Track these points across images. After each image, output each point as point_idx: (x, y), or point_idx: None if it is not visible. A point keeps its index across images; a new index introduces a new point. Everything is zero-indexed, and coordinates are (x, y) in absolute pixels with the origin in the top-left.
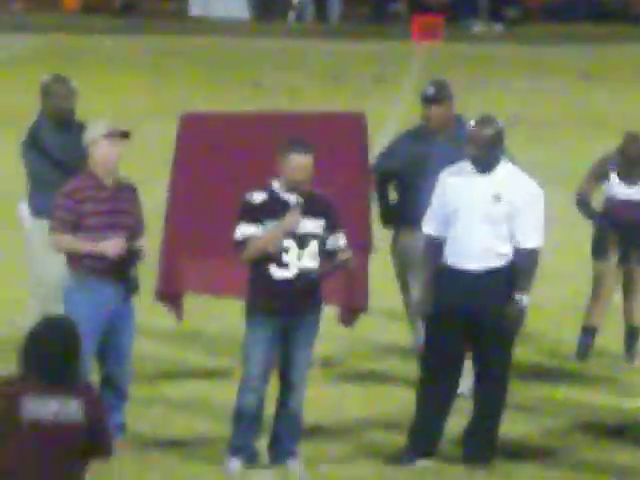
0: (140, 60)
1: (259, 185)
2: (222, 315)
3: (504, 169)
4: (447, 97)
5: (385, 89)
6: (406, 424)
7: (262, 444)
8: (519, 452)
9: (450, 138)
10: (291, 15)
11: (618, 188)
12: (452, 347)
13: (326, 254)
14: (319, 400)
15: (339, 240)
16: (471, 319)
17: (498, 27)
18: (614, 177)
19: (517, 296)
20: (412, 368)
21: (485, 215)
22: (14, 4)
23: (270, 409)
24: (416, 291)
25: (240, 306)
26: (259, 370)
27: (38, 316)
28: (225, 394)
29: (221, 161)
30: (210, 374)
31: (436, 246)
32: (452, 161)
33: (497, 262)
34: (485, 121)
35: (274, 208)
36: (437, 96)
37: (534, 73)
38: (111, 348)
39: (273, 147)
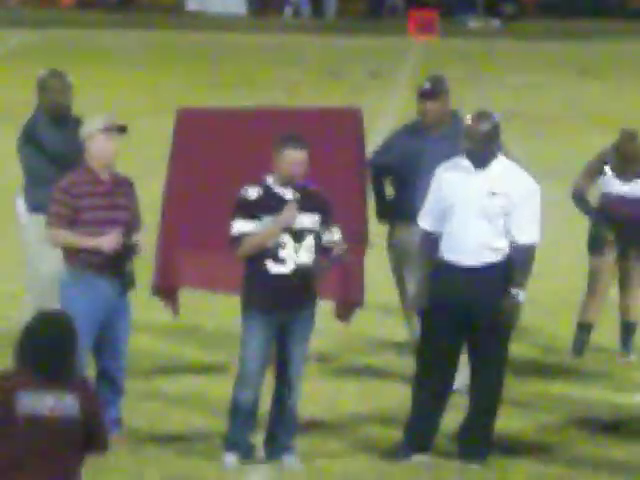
0: (136, 55)
1: (256, 180)
2: (218, 310)
3: (500, 164)
4: (443, 92)
5: (381, 84)
6: (402, 419)
7: (258, 439)
8: (514, 447)
9: (446, 133)
10: (288, 10)
11: (614, 184)
12: (448, 342)
13: (322, 249)
14: (315, 395)
15: (334, 235)
16: (467, 314)
17: (494, 22)
18: (610, 173)
19: (513, 291)
20: (408, 363)
21: (481, 210)
22: None
23: (266, 404)
24: (412, 286)
25: (236, 301)
26: (255, 365)
27: (34, 311)
28: (221, 389)
29: (218, 156)
30: (206, 369)
31: (432, 241)
32: (448, 156)
33: (493, 257)
34: (481, 116)
35: (269, 203)
36: (433, 91)
37: (530, 69)
38: (107, 343)
39: (269, 142)
